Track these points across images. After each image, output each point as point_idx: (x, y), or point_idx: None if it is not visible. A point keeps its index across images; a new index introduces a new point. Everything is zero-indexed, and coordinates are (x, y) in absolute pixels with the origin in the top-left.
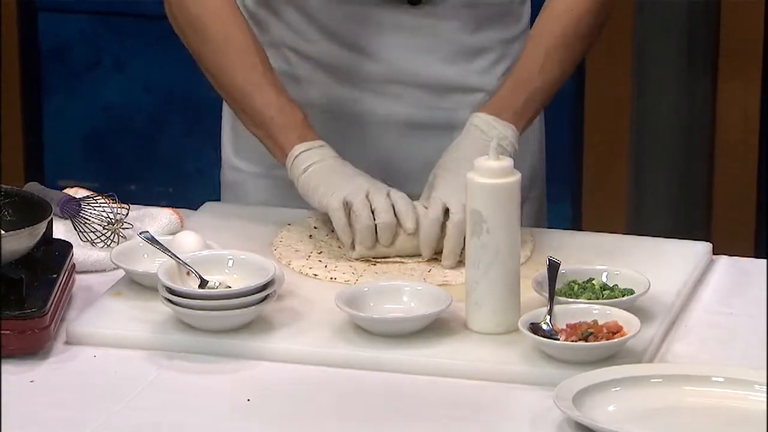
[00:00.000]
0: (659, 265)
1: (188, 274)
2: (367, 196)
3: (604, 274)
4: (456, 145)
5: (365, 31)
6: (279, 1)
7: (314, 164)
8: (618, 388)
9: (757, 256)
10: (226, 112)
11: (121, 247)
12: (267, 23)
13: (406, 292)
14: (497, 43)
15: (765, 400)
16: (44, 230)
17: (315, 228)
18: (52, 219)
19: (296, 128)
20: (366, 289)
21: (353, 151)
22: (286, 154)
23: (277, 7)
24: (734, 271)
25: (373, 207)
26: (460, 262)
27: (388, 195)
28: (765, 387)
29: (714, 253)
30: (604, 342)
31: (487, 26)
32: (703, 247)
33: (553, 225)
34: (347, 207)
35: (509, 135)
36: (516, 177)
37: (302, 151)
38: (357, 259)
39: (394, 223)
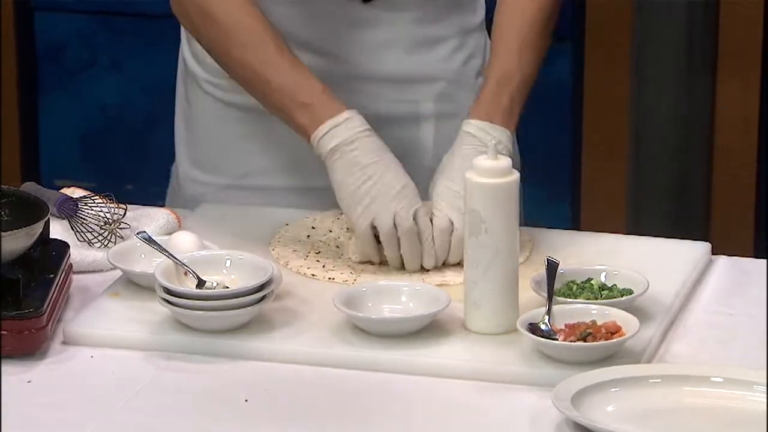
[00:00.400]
0: (658, 265)
1: (186, 274)
2: (394, 221)
3: (603, 274)
4: (452, 154)
5: (324, 31)
6: None
7: (338, 151)
8: (617, 389)
9: (756, 256)
10: (178, 120)
11: (119, 248)
12: None
13: (405, 292)
14: (455, 33)
15: (764, 400)
16: (41, 230)
17: (313, 228)
18: (49, 219)
19: (316, 105)
20: (364, 289)
21: None
22: (309, 137)
23: None
24: (733, 271)
25: (399, 234)
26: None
27: (415, 219)
28: (764, 387)
29: (713, 253)
30: (602, 342)
31: (445, 16)
32: (702, 247)
33: (552, 225)
34: (374, 230)
35: (504, 139)
36: (514, 176)
37: (324, 133)
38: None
39: (419, 254)
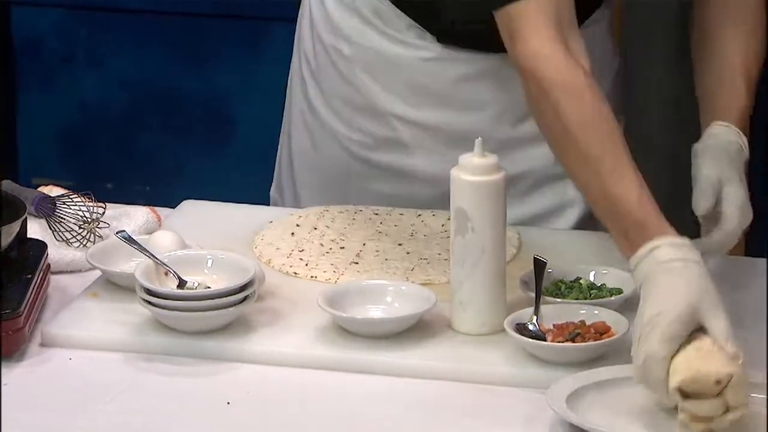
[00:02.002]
0: None
1: (166, 274)
2: None
3: (592, 273)
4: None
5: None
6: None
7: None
8: (611, 389)
9: (747, 255)
10: (301, 159)
11: (98, 247)
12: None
13: (390, 291)
14: None
15: (755, 398)
16: (18, 229)
17: (297, 225)
18: (26, 218)
19: (653, 224)
20: (349, 288)
21: None
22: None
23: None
24: (724, 269)
25: None
26: None
27: None
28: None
29: (702, 253)
30: (591, 343)
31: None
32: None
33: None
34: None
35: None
36: (500, 174)
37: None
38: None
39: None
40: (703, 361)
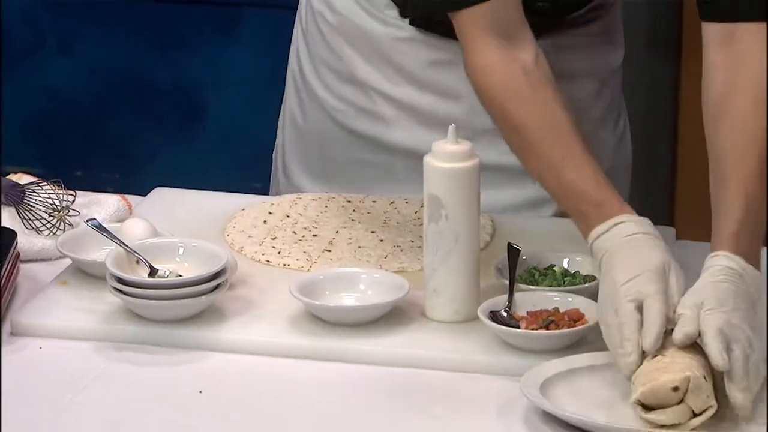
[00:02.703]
0: None
1: (137, 262)
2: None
3: (566, 260)
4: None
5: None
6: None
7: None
8: (585, 376)
9: None
10: (288, 125)
11: (68, 235)
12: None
13: (363, 279)
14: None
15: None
16: None
17: (270, 213)
18: None
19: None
20: (321, 276)
21: None
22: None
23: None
24: (698, 256)
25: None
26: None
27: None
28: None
29: (677, 238)
30: (565, 330)
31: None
32: (666, 232)
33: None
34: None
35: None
36: (474, 161)
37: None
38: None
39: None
40: (659, 372)
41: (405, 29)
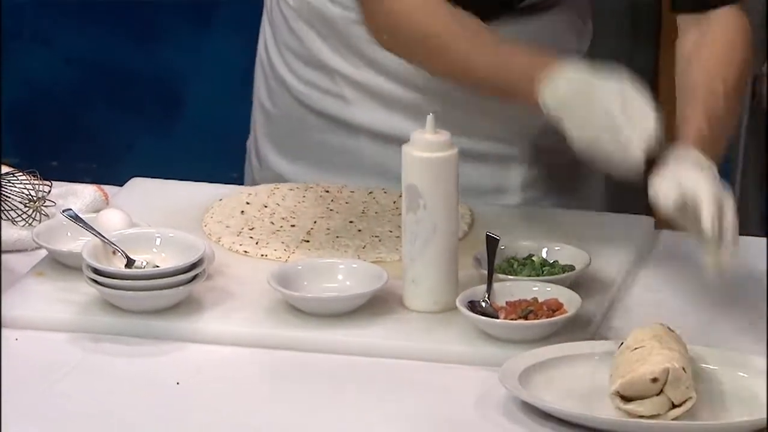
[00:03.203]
0: (601, 240)
1: (114, 253)
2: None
3: (544, 250)
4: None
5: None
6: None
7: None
8: (562, 367)
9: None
10: (258, 112)
11: (44, 226)
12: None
13: (341, 270)
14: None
15: (704, 375)
16: None
17: (248, 203)
18: None
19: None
20: (300, 267)
21: None
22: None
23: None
24: (677, 245)
25: None
26: None
27: None
28: (711, 365)
29: (656, 228)
30: (543, 320)
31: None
32: (645, 222)
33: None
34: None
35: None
36: (453, 151)
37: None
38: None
39: None
40: (639, 363)
41: (358, 11)
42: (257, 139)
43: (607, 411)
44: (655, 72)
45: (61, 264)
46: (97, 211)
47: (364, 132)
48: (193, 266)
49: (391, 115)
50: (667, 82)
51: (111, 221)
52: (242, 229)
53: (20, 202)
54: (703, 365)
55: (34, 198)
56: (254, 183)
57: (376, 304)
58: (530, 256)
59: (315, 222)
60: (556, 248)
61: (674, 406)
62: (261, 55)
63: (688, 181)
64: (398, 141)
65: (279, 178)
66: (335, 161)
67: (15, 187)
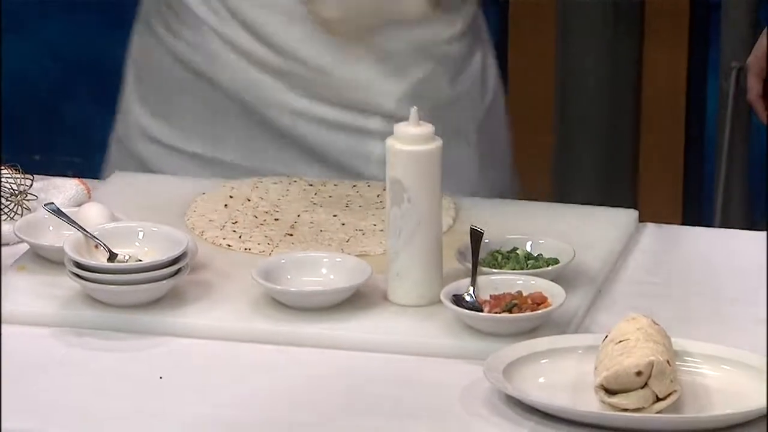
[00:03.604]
0: (585, 233)
1: (96, 247)
2: None
3: (529, 244)
4: None
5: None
6: None
7: None
8: (546, 360)
9: (684, 223)
10: (130, 75)
11: (25, 220)
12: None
13: (325, 263)
14: None
15: (688, 369)
16: None
17: (231, 197)
18: None
19: None
20: (283, 261)
21: None
22: None
23: None
24: (661, 238)
25: None
26: None
27: None
28: (691, 357)
29: (640, 221)
30: (528, 314)
31: None
32: (629, 214)
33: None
34: None
35: None
36: (437, 143)
37: None
38: None
39: None
40: (624, 356)
41: None
42: (125, 92)
43: (591, 404)
44: (639, 66)
45: (43, 258)
46: (80, 204)
47: (231, 96)
48: (176, 260)
49: (261, 75)
50: (652, 73)
51: (93, 215)
52: (225, 222)
53: (2, 196)
54: (688, 358)
55: (16, 192)
56: (117, 138)
57: (360, 298)
58: (514, 249)
59: (299, 216)
60: (541, 241)
61: (658, 400)
62: (140, 13)
63: None
64: (263, 106)
65: (143, 131)
66: (199, 122)
67: None
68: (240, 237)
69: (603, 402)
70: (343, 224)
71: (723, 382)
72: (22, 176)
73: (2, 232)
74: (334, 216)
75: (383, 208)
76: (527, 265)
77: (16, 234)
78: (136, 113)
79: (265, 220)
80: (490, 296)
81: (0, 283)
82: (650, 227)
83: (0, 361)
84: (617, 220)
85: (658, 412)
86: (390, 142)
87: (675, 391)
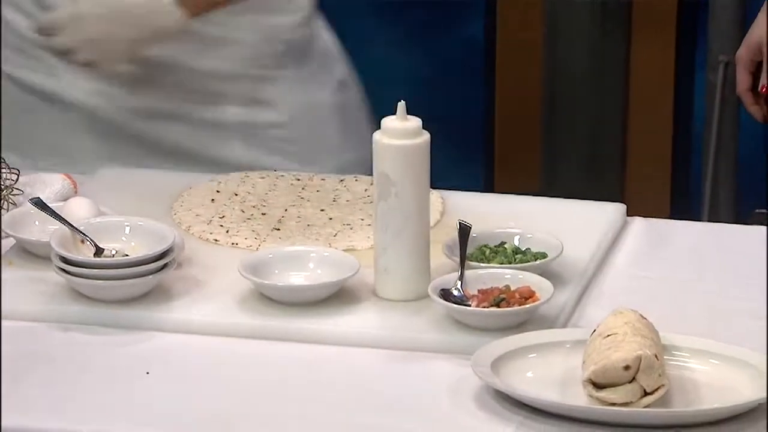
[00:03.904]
0: (573, 227)
1: (83, 242)
2: None
3: (517, 238)
4: None
5: None
6: None
7: None
8: (534, 355)
9: (671, 217)
10: None
11: (11, 214)
12: None
13: (313, 258)
14: None
15: (677, 363)
16: None
17: (218, 192)
18: None
19: None
20: (270, 255)
21: None
22: None
23: None
24: (649, 232)
25: None
26: None
27: None
28: (680, 352)
29: (628, 215)
30: (516, 308)
31: None
32: (617, 209)
33: (464, 187)
34: None
35: None
36: (425, 137)
37: None
38: None
39: None
40: (611, 351)
41: None
42: None
43: (579, 398)
44: (627, 62)
45: (30, 253)
46: (66, 199)
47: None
48: (163, 255)
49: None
50: (640, 68)
51: (79, 210)
52: (212, 217)
53: None
54: (676, 353)
55: (1, 186)
56: None
57: (348, 293)
58: (502, 243)
59: (286, 210)
60: (528, 236)
61: (646, 394)
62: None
63: None
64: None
65: None
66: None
67: None
68: (227, 232)
69: (591, 396)
70: (331, 219)
71: (711, 377)
72: (8, 170)
73: None
74: (322, 210)
75: (371, 202)
76: (515, 260)
77: (2, 229)
78: None
79: (252, 215)
80: (478, 291)
81: (0, 278)
82: (638, 221)
83: (0, 358)
84: (605, 214)
85: (646, 407)
86: (377, 136)
87: (663, 385)
